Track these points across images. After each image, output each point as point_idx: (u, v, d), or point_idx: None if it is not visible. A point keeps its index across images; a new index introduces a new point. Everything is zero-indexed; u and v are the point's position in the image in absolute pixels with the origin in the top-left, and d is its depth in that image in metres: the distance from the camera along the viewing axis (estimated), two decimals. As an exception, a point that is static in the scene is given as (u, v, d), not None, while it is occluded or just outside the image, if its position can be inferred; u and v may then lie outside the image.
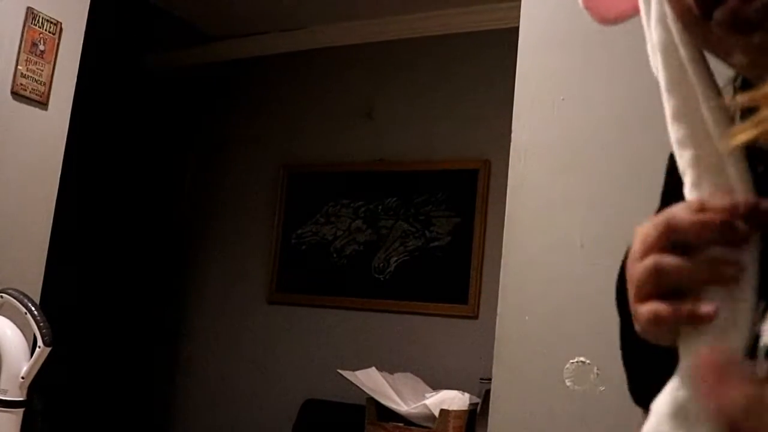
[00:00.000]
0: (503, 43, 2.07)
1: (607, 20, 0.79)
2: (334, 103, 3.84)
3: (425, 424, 2.74)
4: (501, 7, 3.15)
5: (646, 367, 0.58)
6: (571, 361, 1.43)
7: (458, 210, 3.39)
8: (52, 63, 2.09)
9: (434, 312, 3.39)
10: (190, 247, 4.14)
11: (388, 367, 3.09)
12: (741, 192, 0.49)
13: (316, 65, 3.93)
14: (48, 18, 2.08)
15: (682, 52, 0.56)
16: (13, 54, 2.01)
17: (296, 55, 3.95)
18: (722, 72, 0.60)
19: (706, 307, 0.45)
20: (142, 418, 3.95)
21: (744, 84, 0.58)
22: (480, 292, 3.26)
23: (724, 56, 0.56)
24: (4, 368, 1.45)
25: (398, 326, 3.47)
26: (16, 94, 2.02)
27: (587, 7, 0.79)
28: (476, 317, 3.24)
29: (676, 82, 0.55)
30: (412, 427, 2.77)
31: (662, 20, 0.59)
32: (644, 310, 0.48)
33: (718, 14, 0.53)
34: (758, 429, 0.40)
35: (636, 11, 0.72)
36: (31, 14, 2.04)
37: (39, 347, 1.44)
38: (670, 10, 0.58)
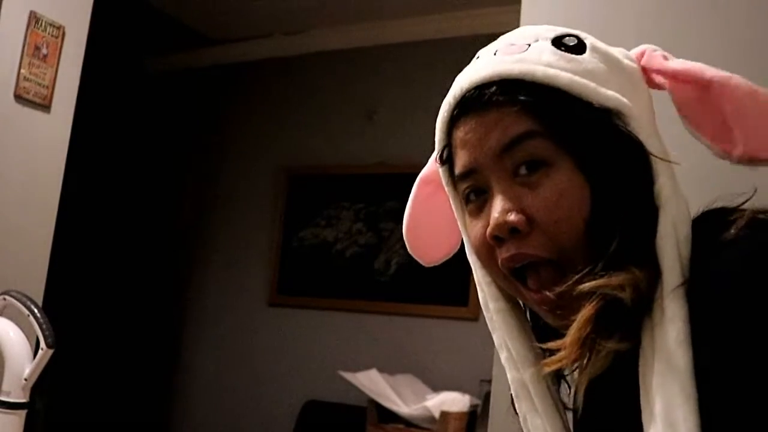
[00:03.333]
0: (503, 46, 2.08)
1: (433, 262, 0.95)
2: (335, 105, 3.85)
3: (426, 426, 2.75)
4: (501, 11, 3.16)
5: None
6: (571, 362, 1.43)
7: (459, 212, 3.39)
8: (55, 66, 2.10)
9: (435, 314, 3.40)
10: (191, 250, 4.15)
11: (388, 368, 3.10)
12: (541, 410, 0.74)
13: (317, 68, 3.94)
14: (51, 22, 2.09)
15: (491, 305, 0.78)
16: (16, 58, 2.02)
17: (297, 58, 3.96)
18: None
19: None
20: (144, 419, 3.96)
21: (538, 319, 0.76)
22: (480, 295, 3.27)
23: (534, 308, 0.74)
24: (7, 370, 1.45)
25: (399, 328, 3.48)
26: (19, 98, 2.03)
27: (416, 256, 0.95)
28: (476, 319, 3.25)
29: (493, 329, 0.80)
30: (413, 429, 2.78)
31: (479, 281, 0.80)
32: None
33: (528, 296, 0.72)
34: None
35: (456, 246, 0.92)
36: (34, 18, 2.05)
37: (42, 349, 1.44)
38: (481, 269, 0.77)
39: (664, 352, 0.61)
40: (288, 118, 3.97)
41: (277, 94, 4.04)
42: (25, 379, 1.44)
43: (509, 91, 0.69)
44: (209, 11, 3.80)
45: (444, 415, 2.69)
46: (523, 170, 0.69)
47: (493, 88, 0.70)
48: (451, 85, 0.79)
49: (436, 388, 3.02)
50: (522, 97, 0.68)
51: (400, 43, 3.67)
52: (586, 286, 0.64)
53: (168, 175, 4.26)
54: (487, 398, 2.64)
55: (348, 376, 2.91)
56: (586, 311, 0.63)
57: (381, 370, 3.03)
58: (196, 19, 3.91)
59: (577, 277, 0.65)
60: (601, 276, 0.64)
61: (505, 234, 0.68)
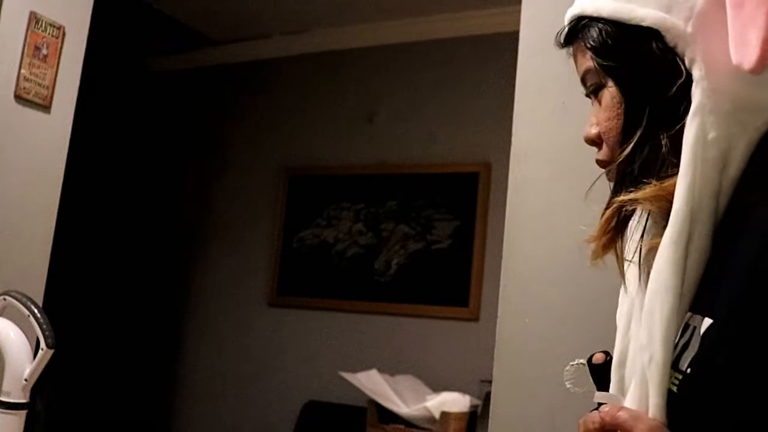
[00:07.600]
0: (503, 46, 2.08)
1: None
2: (335, 106, 3.85)
3: (426, 426, 2.75)
4: (501, 11, 3.16)
5: None
6: (571, 363, 1.43)
7: (459, 213, 3.39)
8: (55, 67, 2.10)
9: (435, 314, 3.40)
10: (192, 251, 4.15)
11: (389, 369, 3.10)
12: None
13: (317, 69, 3.94)
14: (51, 22, 2.09)
15: None
16: (17, 58, 2.02)
17: (298, 59, 3.96)
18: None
19: None
20: (144, 419, 3.96)
21: None
22: (480, 295, 3.27)
23: None
24: (7, 370, 1.45)
25: (399, 328, 3.48)
26: (19, 98, 2.03)
27: None
28: (477, 320, 3.25)
29: None
30: (413, 429, 2.78)
31: None
32: None
33: None
34: None
35: None
36: (34, 18, 2.05)
37: (42, 350, 1.44)
38: None
39: (654, 271, 0.72)
40: (288, 119, 3.97)
41: (278, 94, 4.04)
42: (25, 380, 1.44)
43: (576, 30, 0.84)
44: (210, 12, 3.80)
45: (444, 415, 2.69)
46: (592, 93, 0.83)
47: (567, 28, 0.86)
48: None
49: (436, 388, 3.02)
50: (579, 35, 0.83)
51: (400, 43, 3.67)
52: (615, 200, 0.78)
53: (168, 175, 4.26)
54: (487, 398, 2.64)
55: (348, 376, 2.92)
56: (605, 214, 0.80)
57: (381, 370, 3.03)
58: (197, 19, 3.92)
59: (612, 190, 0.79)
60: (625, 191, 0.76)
61: (589, 144, 0.85)
